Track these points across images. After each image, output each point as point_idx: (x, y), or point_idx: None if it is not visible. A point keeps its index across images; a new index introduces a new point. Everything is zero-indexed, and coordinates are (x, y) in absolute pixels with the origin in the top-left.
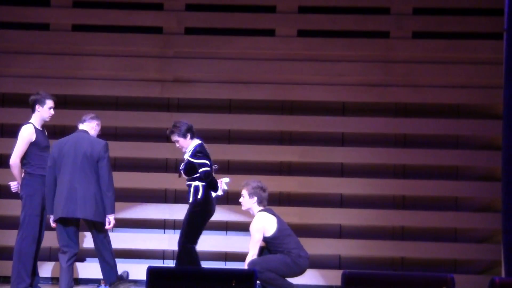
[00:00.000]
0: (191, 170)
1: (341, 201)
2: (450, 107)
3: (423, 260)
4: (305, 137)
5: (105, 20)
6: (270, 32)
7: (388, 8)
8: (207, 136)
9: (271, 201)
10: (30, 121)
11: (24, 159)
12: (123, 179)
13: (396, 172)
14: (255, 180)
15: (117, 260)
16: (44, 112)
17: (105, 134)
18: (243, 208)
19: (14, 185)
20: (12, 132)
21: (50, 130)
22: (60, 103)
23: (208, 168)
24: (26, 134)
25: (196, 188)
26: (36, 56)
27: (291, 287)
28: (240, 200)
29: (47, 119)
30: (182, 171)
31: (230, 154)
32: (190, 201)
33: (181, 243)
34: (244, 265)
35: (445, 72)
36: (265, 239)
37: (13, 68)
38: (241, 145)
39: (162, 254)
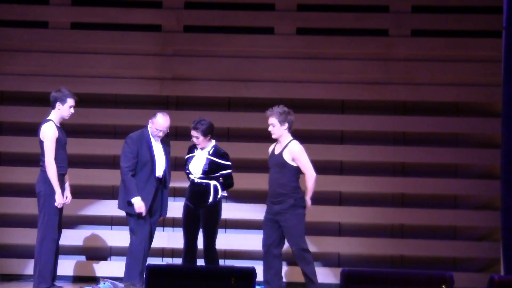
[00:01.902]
0: (215, 170)
1: (340, 199)
2: (449, 105)
3: (422, 258)
4: (304, 135)
5: (104, 18)
6: (269, 30)
7: (387, 6)
8: None
9: None
10: (49, 118)
11: (43, 156)
12: None
13: (395, 170)
14: (278, 106)
15: (116, 258)
16: (64, 110)
17: (104, 132)
18: (274, 136)
19: (62, 200)
20: (11, 130)
21: None
22: None
23: (231, 170)
24: (52, 133)
25: (216, 188)
26: (35, 54)
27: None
28: (270, 129)
29: (66, 118)
30: (204, 171)
31: (229, 152)
32: (211, 200)
33: (212, 244)
34: (309, 177)
35: (444, 70)
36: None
37: (12, 66)
38: (240, 143)
39: (161, 252)
